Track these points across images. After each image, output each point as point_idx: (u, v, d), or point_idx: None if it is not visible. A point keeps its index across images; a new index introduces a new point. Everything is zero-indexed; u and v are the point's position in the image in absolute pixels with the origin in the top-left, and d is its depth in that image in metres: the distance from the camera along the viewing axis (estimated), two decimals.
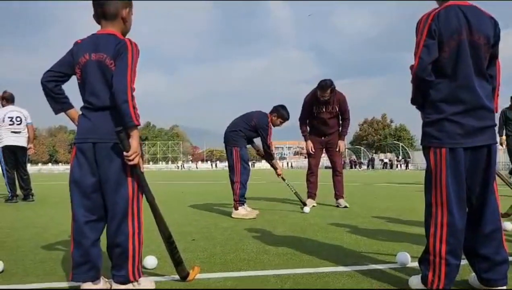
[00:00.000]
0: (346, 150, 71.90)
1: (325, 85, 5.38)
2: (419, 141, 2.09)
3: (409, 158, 48.26)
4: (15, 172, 7.00)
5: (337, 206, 5.59)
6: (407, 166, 45.13)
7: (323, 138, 5.82)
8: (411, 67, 1.96)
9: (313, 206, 5.54)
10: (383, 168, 46.60)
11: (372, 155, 58.53)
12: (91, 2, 2.08)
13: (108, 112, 1.98)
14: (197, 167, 76.10)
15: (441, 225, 1.90)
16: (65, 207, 5.91)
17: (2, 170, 7.01)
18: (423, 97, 2.00)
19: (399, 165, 47.79)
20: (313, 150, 5.79)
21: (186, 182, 14.94)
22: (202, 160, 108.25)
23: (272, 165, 5.35)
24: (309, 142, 5.82)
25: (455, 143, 1.89)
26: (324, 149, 5.92)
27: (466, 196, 1.93)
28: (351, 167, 51.12)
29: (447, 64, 1.92)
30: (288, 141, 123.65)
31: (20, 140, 7.01)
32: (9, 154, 6.91)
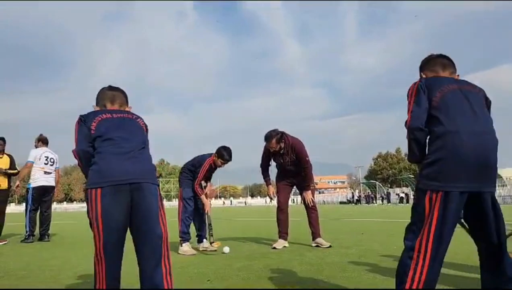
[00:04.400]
0: (361, 184, 71.25)
1: (269, 136, 5.29)
2: None
3: None
4: (37, 213, 7.20)
5: (317, 246, 5.26)
6: None
7: (291, 177, 5.61)
8: (406, 123, 2.04)
9: (284, 247, 5.30)
10: (399, 202, 45.81)
11: (388, 189, 57.72)
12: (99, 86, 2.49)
13: (140, 156, 2.17)
14: (210, 204, 76.11)
15: (421, 272, 1.88)
16: (80, 248, 5.92)
17: (27, 209, 7.17)
18: (421, 150, 2.04)
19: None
20: (275, 195, 5.65)
21: None
22: (216, 197, 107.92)
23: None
24: (271, 187, 5.68)
25: (453, 187, 1.88)
26: (296, 187, 5.69)
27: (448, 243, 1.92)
28: (367, 203, 50.33)
29: (441, 111, 1.98)
30: None
31: (51, 181, 7.41)
32: (39, 194, 7.17)
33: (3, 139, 7.44)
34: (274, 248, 5.19)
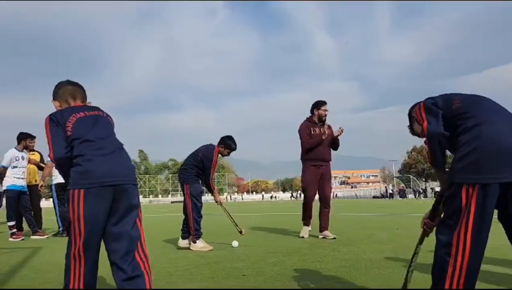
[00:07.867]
0: (394, 179, 69.99)
1: (324, 100, 6.03)
2: None
3: None
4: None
5: (324, 238, 5.66)
6: None
7: (319, 168, 5.94)
8: (422, 131, 2.08)
9: (309, 230, 5.77)
10: (434, 196, 44.70)
11: (424, 184, 56.41)
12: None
13: (121, 155, 2.15)
14: (242, 199, 78.72)
15: (460, 269, 1.84)
16: None
17: (55, 205, 7.50)
18: (444, 153, 2.09)
19: None
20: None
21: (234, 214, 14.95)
22: (247, 191, 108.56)
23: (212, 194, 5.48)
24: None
25: (491, 178, 1.80)
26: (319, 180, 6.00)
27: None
28: (401, 197, 49.35)
29: (465, 109, 1.98)
30: (334, 170, 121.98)
31: None
32: (62, 190, 7.40)
33: (34, 137, 7.79)
34: (302, 237, 5.30)
